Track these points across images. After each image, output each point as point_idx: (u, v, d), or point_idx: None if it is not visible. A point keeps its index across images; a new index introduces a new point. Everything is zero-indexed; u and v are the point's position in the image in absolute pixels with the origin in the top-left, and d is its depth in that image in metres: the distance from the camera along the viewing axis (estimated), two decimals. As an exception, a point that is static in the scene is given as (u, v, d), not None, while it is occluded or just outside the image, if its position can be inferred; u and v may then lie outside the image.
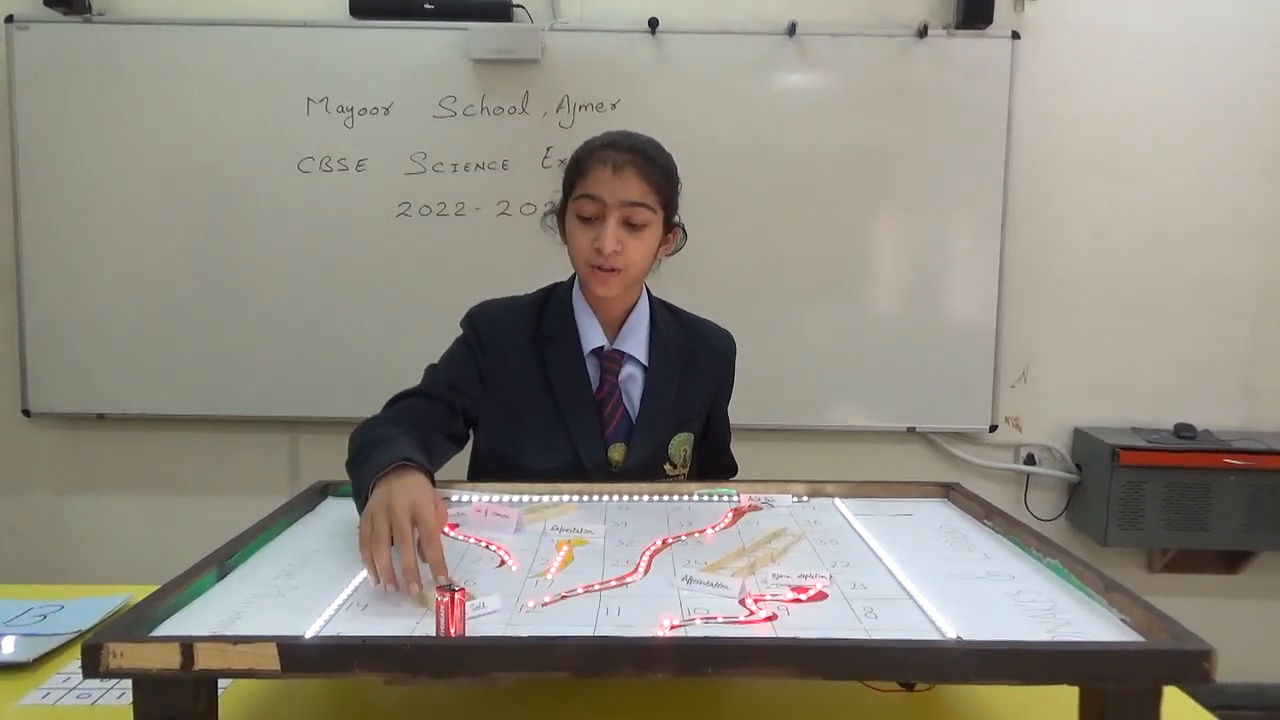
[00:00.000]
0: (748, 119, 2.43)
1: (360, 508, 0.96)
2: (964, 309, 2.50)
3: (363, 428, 1.15)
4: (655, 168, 1.24)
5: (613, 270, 1.23)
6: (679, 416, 1.37)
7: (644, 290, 1.37)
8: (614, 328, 1.34)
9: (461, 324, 1.36)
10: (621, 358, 1.33)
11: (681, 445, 1.38)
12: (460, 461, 1.34)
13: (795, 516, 1.11)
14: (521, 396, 1.31)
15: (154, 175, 2.43)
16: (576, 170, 1.26)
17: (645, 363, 1.34)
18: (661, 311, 1.39)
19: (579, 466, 1.29)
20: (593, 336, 1.32)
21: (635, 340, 1.34)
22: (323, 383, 2.48)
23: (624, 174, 1.21)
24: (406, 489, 0.91)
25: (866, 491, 1.21)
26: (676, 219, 1.32)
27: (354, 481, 1.04)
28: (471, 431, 1.35)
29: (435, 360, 1.35)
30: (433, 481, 0.98)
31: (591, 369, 1.32)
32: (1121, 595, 0.78)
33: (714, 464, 1.48)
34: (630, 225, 1.22)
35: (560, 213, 1.31)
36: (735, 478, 1.49)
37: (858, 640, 0.72)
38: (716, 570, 0.89)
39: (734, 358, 1.47)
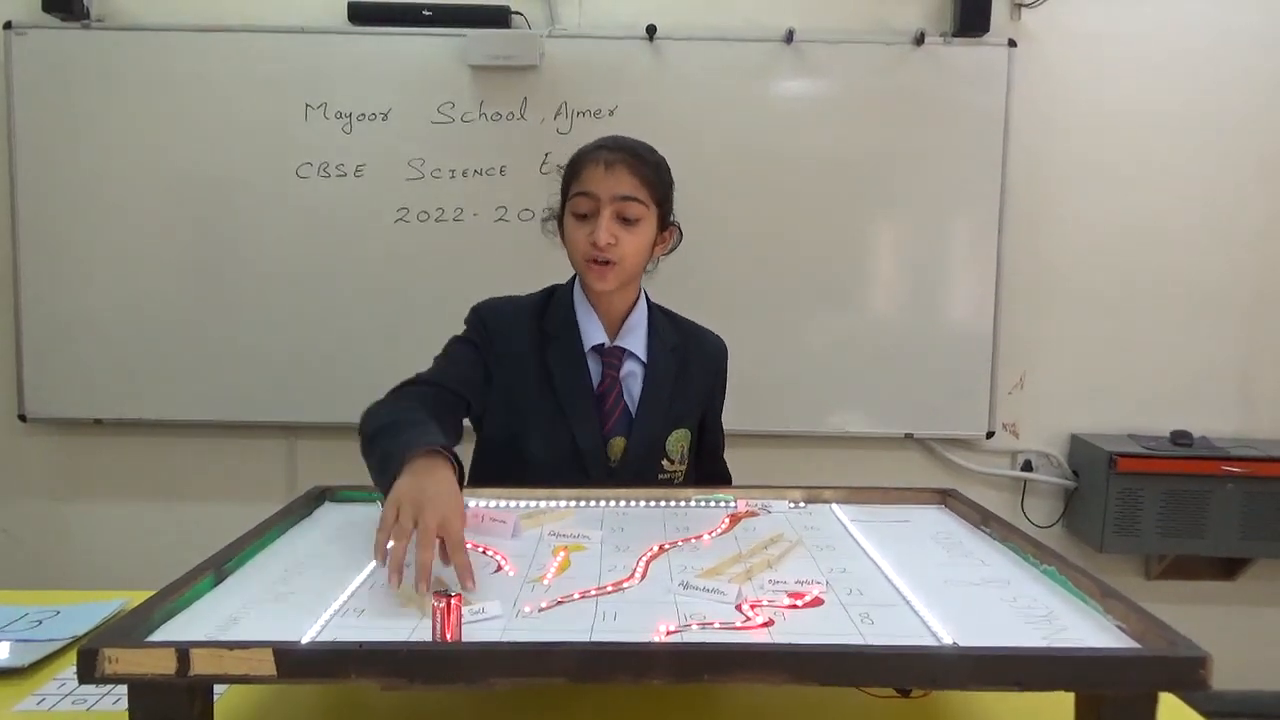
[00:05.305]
0: (745, 125, 2.44)
1: (386, 484, 0.95)
2: (961, 315, 2.51)
3: (380, 408, 1.17)
4: (646, 165, 1.28)
5: (608, 263, 1.27)
6: (676, 413, 1.40)
7: (642, 292, 1.41)
8: (614, 326, 1.37)
9: (466, 320, 1.39)
10: (622, 354, 1.37)
11: (679, 442, 1.40)
12: (464, 452, 1.34)
13: (792, 522, 1.11)
14: (524, 391, 1.34)
15: (152, 181, 2.43)
16: (571, 172, 1.31)
17: (645, 359, 1.37)
18: (658, 314, 1.43)
19: (578, 458, 1.32)
20: (593, 334, 1.35)
21: (635, 337, 1.37)
22: (320, 388, 2.47)
23: (615, 171, 1.26)
24: (439, 494, 0.90)
25: (863, 497, 1.21)
26: (672, 219, 1.36)
27: (378, 457, 1.04)
28: (477, 421, 1.39)
29: (438, 353, 1.37)
30: (460, 473, 1.00)
31: (593, 365, 1.36)
32: (1118, 602, 0.78)
33: (708, 472, 1.50)
34: (624, 220, 1.27)
35: (559, 217, 1.36)
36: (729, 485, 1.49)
37: (854, 646, 0.72)
38: (713, 576, 0.89)
39: (726, 362, 1.49)
